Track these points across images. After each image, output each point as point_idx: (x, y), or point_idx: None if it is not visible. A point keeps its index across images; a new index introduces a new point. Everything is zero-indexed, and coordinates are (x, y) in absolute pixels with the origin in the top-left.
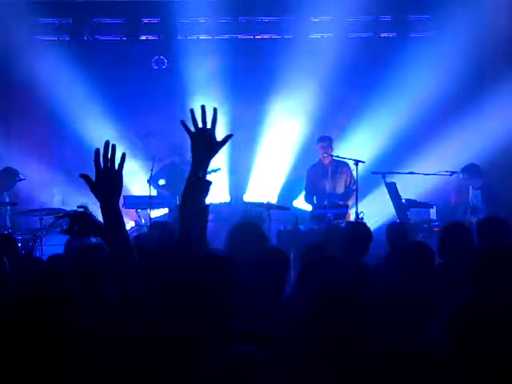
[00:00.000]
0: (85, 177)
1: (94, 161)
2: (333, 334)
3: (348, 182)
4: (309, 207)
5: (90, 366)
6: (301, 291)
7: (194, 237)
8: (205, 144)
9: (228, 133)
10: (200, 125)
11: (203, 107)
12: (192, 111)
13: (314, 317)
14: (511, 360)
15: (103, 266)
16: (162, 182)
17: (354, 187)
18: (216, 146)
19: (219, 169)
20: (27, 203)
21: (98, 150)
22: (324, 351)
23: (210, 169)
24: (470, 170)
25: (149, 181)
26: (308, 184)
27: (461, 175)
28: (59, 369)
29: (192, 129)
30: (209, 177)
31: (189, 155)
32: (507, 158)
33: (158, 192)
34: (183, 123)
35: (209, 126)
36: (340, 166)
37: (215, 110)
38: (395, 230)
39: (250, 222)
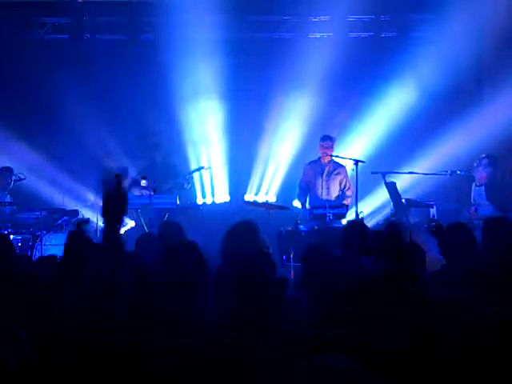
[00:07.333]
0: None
1: (103, 187)
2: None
3: (343, 185)
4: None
5: None
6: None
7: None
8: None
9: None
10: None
11: (118, 176)
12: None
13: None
14: None
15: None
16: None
17: (349, 193)
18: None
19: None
20: (27, 203)
21: (106, 175)
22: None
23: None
24: (494, 160)
25: None
26: (302, 180)
27: (475, 164)
28: None
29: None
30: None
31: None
32: (508, 157)
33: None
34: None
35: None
36: (338, 167)
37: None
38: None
39: (245, 222)
